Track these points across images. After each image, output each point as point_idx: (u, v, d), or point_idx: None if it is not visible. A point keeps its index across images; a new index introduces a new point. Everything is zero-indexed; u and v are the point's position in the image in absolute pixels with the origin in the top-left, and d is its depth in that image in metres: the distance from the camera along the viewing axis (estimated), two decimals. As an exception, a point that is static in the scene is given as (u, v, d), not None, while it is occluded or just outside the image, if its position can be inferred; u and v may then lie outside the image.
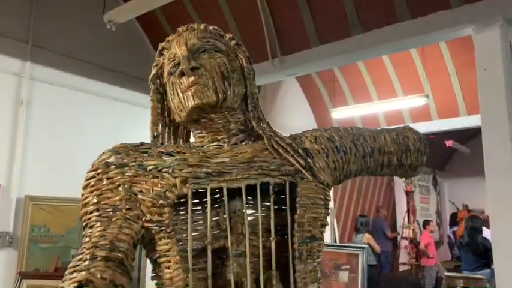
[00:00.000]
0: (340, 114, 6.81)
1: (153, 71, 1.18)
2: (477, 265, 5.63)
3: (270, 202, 1.05)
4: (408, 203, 9.50)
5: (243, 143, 1.14)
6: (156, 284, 1.03)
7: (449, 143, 8.39)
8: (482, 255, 5.68)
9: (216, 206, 1.05)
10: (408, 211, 9.73)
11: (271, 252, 1.03)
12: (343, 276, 5.47)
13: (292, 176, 1.07)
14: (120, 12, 2.98)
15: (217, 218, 1.04)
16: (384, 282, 8.67)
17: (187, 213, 1.00)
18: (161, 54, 1.19)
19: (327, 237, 7.68)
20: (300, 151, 1.08)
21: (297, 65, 4.14)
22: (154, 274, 1.04)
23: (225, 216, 1.02)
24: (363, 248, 5.47)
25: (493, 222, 3.05)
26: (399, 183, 10.37)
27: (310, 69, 4.71)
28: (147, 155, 1.07)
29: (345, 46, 3.80)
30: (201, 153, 1.07)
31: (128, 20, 3.78)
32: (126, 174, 1.03)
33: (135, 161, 1.05)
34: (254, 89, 1.19)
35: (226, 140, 1.13)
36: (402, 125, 1.32)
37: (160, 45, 1.20)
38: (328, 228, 6.78)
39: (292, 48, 4.11)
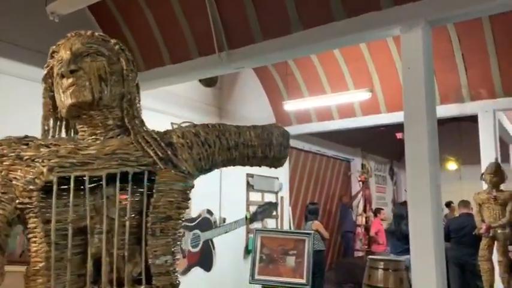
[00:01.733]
0: (295, 106, 7.03)
1: (44, 72, 1.34)
2: (401, 250, 5.96)
3: (142, 189, 1.22)
4: (363, 192, 9.90)
5: (119, 137, 1.30)
6: (29, 255, 1.22)
7: (399, 135, 8.79)
8: (405, 241, 6.07)
9: (96, 192, 1.22)
10: (365, 200, 10.15)
11: (133, 231, 1.20)
12: (290, 261, 5.74)
13: (151, 166, 1.24)
14: (62, 4, 3.06)
15: (94, 202, 1.21)
16: (338, 267, 9.08)
17: (68, 197, 1.17)
18: (52, 56, 1.33)
19: (286, 224, 7.97)
20: (163, 144, 1.25)
21: (243, 58, 4.29)
22: (28, 248, 1.22)
23: (102, 200, 1.20)
24: (309, 234, 5.75)
25: (411, 211, 3.32)
26: (355, 173, 10.77)
27: (255, 63, 4.87)
28: (26, 146, 1.26)
29: (286, 42, 3.98)
30: (73, 146, 1.24)
31: (78, 10, 3.83)
32: (4, 163, 1.23)
33: (14, 152, 1.24)
34: (132, 89, 1.36)
35: (104, 134, 1.29)
36: (271, 123, 1.51)
37: (51, 48, 1.34)
38: (285, 216, 6.99)
39: (238, 42, 4.26)
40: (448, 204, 9.96)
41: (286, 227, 7.80)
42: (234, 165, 1.40)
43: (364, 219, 9.36)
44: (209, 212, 6.44)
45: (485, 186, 5.58)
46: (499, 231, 5.28)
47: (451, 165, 12.64)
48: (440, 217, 3.46)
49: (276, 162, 1.48)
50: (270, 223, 7.54)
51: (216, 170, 1.36)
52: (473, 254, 6.07)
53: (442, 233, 3.53)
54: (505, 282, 5.26)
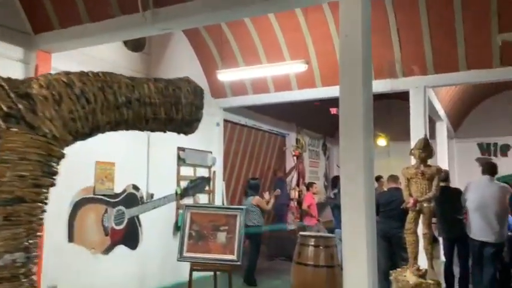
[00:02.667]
0: (229, 76, 6.70)
1: None
2: None
3: None
4: (297, 166, 9.90)
5: None
6: None
7: (333, 110, 8.81)
8: None
9: None
10: (298, 174, 10.18)
11: None
12: (221, 237, 5.54)
13: None
14: None
15: None
16: (271, 241, 9.06)
17: None
18: None
19: (219, 200, 7.75)
20: (13, 95, 0.91)
21: (170, 19, 3.89)
22: None
23: None
24: (241, 209, 5.57)
25: (344, 183, 3.19)
26: (290, 148, 10.75)
27: (184, 25, 4.49)
28: None
29: (218, 3, 3.64)
30: None
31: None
32: None
33: None
34: None
35: None
36: (181, 76, 1.20)
37: None
38: (218, 191, 6.74)
39: (165, 0, 3.85)
40: (378, 179, 10.22)
41: (219, 203, 7.58)
42: (127, 129, 1.06)
43: (297, 193, 9.39)
44: (135, 187, 6.03)
45: (413, 161, 5.67)
46: (424, 205, 5.40)
47: (381, 142, 13.05)
48: (373, 190, 3.39)
49: (185, 127, 1.15)
50: (202, 198, 7.28)
51: (100, 134, 1.03)
52: (400, 227, 6.21)
53: (374, 205, 3.51)
54: (428, 254, 5.42)
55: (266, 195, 7.40)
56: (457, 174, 11.55)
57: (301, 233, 4.06)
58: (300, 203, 9.44)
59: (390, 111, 13.48)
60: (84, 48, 4.86)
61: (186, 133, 1.16)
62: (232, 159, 9.19)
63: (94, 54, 5.13)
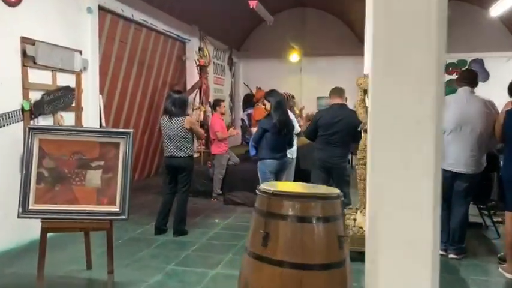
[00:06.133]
0: None
1: None
2: (283, 153, 4.75)
3: None
4: (201, 80, 7.88)
5: None
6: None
7: (253, 4, 6.81)
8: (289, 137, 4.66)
9: None
10: (201, 91, 8.20)
11: None
12: (94, 177, 3.54)
13: None
14: None
15: None
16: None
17: None
18: None
19: (93, 121, 5.54)
20: None
21: None
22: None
23: None
24: (126, 134, 3.54)
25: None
26: (192, 57, 8.62)
27: None
28: None
29: None
30: None
31: None
32: None
33: None
34: None
35: None
36: None
37: None
38: (92, 109, 4.40)
39: None
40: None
41: (93, 125, 5.40)
42: None
43: (202, 114, 7.50)
44: None
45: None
46: (388, 126, 3.92)
47: (293, 57, 11.50)
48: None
49: None
50: (68, 119, 5.02)
51: None
52: (344, 156, 4.79)
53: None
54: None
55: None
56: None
57: (261, 188, 2.17)
58: (202, 125, 7.59)
59: (304, 21, 11.85)
60: None
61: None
62: (115, 67, 6.84)
63: None
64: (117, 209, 3.34)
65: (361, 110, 4.06)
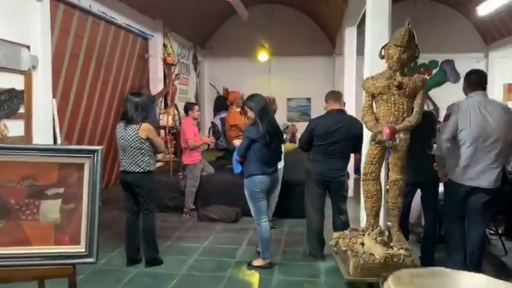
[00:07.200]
0: None
1: None
2: (274, 168, 3.94)
3: None
4: (171, 81, 7.09)
5: None
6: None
7: (229, -4, 6.14)
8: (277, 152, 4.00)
9: None
10: (167, 92, 7.40)
11: None
12: (51, 209, 2.76)
13: None
14: None
15: None
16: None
17: None
18: None
19: (45, 135, 4.66)
20: None
21: None
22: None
23: None
24: (93, 152, 2.80)
25: None
26: (157, 55, 7.81)
27: None
28: None
29: None
30: None
31: None
32: None
33: None
34: None
35: None
36: None
37: None
38: (44, 117, 3.54)
39: None
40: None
41: (46, 138, 4.55)
42: None
43: (170, 119, 6.71)
44: None
45: (367, 72, 3.54)
46: (401, 136, 3.42)
47: (262, 56, 10.90)
48: None
49: None
50: (14, 128, 4.14)
51: None
52: (344, 169, 4.24)
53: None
54: (397, 209, 3.56)
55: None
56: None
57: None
58: (170, 130, 6.83)
59: (272, 19, 11.28)
60: None
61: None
62: (69, 66, 5.94)
63: None
64: (83, 250, 2.58)
65: (369, 118, 3.50)
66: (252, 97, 4.11)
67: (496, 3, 6.86)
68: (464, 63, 10.61)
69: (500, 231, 4.69)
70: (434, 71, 10.74)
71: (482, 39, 10.61)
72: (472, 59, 10.50)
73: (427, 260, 3.92)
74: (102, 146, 2.77)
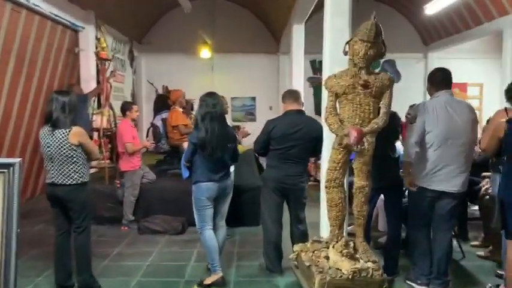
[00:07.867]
0: None
1: None
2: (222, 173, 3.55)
3: None
4: (103, 78, 6.39)
5: None
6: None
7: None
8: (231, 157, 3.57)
9: None
10: (100, 90, 6.69)
11: None
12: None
13: None
14: None
15: None
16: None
17: None
18: None
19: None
20: None
21: None
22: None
23: None
24: (9, 165, 2.23)
25: None
26: (89, 49, 7.07)
27: None
28: None
29: None
30: None
31: None
32: None
33: None
34: None
35: None
36: None
37: None
38: None
39: None
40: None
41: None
42: None
43: (105, 120, 6.04)
44: None
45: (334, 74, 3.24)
46: (368, 139, 3.14)
47: (204, 53, 10.40)
48: None
49: None
50: None
51: None
52: (303, 174, 3.91)
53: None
54: (362, 218, 3.29)
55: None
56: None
57: None
58: (105, 132, 6.15)
59: (215, 14, 10.81)
60: None
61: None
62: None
63: None
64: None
65: (333, 120, 3.19)
66: (206, 96, 3.65)
67: (445, 2, 6.93)
68: (405, 63, 10.84)
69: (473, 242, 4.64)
70: (376, 71, 10.83)
71: (422, 40, 10.87)
72: (412, 60, 10.74)
73: (391, 270, 3.70)
74: (20, 158, 2.20)
